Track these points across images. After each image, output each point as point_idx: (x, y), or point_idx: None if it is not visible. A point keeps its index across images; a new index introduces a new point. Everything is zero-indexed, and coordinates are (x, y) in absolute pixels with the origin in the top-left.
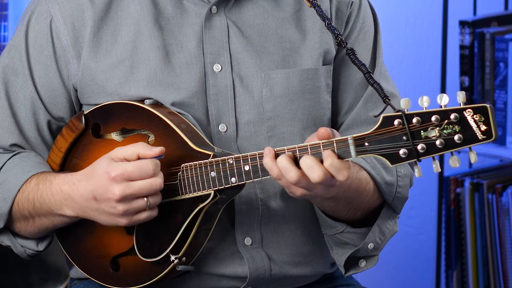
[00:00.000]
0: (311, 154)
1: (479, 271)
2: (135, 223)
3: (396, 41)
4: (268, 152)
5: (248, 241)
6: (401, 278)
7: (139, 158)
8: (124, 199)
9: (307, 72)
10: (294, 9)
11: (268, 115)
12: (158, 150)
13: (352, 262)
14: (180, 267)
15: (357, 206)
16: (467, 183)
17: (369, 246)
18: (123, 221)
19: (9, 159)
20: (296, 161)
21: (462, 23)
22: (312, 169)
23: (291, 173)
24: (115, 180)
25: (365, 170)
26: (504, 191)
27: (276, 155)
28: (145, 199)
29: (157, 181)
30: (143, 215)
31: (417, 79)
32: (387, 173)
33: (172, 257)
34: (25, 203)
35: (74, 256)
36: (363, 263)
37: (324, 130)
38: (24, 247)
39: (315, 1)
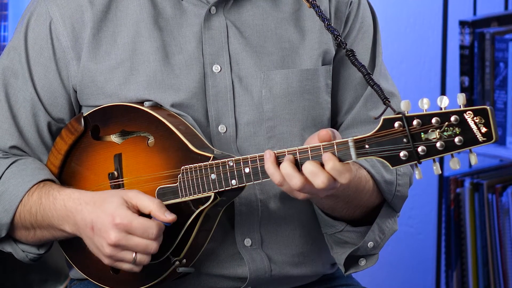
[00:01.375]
0: (311, 156)
1: (479, 271)
2: (115, 267)
3: (396, 41)
4: (269, 157)
5: (248, 242)
6: (401, 278)
7: (149, 214)
8: (116, 246)
9: (306, 72)
10: (293, 9)
11: (268, 115)
12: (171, 218)
13: (352, 261)
14: (180, 269)
15: (356, 205)
16: (467, 183)
17: (368, 244)
18: (105, 261)
19: (7, 169)
20: (297, 164)
21: (462, 23)
22: (316, 175)
23: (295, 180)
24: (117, 227)
25: (365, 168)
26: (504, 191)
27: (277, 159)
28: (133, 254)
29: (153, 246)
30: (125, 266)
31: (417, 79)
32: (386, 172)
33: (173, 259)
34: (27, 215)
35: (73, 257)
36: (363, 262)
37: (325, 133)
38: (26, 252)
39: (314, 2)
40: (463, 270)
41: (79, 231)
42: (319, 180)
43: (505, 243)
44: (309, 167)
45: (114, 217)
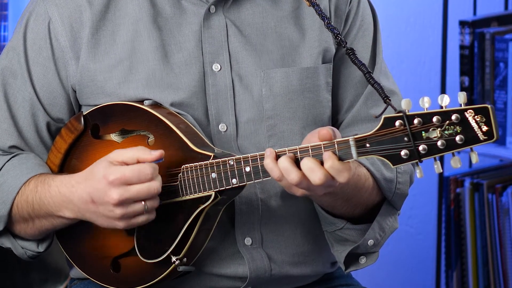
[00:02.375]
0: (312, 155)
1: (479, 271)
2: (132, 226)
3: (396, 41)
4: (269, 154)
5: (248, 241)
6: (401, 278)
7: (138, 162)
8: (122, 203)
9: (306, 70)
10: (293, 8)
11: (268, 114)
12: (157, 153)
13: (352, 259)
14: (181, 268)
15: (356, 202)
16: (467, 183)
17: (369, 242)
18: (120, 224)
19: (7, 161)
20: (297, 163)
21: (462, 23)
22: (313, 171)
23: (293, 175)
24: (113, 184)
25: (364, 166)
26: (504, 191)
27: (277, 157)
28: (143, 202)
29: (155, 185)
30: (141, 219)
31: (417, 79)
32: (386, 170)
33: (173, 258)
34: (24, 205)
35: (74, 256)
36: (363, 260)
37: (325, 131)
38: (25, 248)
39: (314, 0)
40: (463, 270)
41: (80, 212)
42: (316, 176)
43: (505, 243)
44: (307, 163)
45: (106, 177)
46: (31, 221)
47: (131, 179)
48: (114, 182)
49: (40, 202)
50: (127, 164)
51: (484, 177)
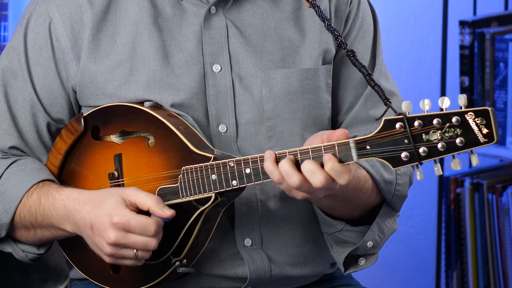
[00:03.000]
0: (312, 157)
1: (479, 271)
2: (117, 264)
3: (396, 41)
4: (269, 156)
5: (248, 242)
6: (401, 278)
7: (148, 210)
8: (115, 245)
9: (306, 71)
10: (293, 9)
11: (268, 115)
12: (169, 213)
13: (351, 260)
14: (181, 269)
15: (356, 204)
16: (467, 183)
17: (368, 244)
18: (107, 259)
19: (6, 169)
20: (297, 165)
21: (462, 23)
22: (314, 174)
23: (293, 178)
24: (115, 226)
25: (364, 168)
26: (504, 191)
27: (277, 159)
28: (135, 251)
29: (153, 242)
30: (128, 262)
31: (417, 79)
32: (386, 171)
33: (173, 260)
34: (27, 215)
35: (74, 258)
36: (362, 261)
37: (342, 132)
38: (25, 252)
39: (314, 1)
40: (463, 270)
41: (79, 230)
42: (317, 179)
43: (505, 243)
44: (307, 165)
45: (112, 216)
46: (32, 229)
47: (134, 229)
48: (117, 224)
49: (44, 214)
50: (137, 208)
51: (484, 177)
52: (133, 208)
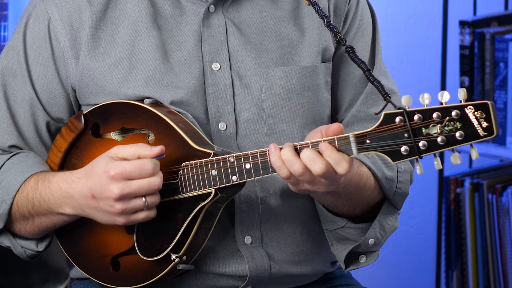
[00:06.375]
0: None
1: (479, 271)
2: (132, 222)
3: (396, 41)
4: (274, 150)
5: (248, 239)
6: (401, 278)
7: (139, 158)
8: (122, 198)
9: (306, 69)
10: (292, 7)
11: (268, 113)
12: (158, 149)
13: (352, 257)
14: (180, 266)
15: (358, 201)
16: (467, 183)
17: (369, 241)
18: (121, 220)
19: (8, 160)
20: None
21: (462, 23)
22: (313, 161)
23: (296, 166)
24: (114, 179)
25: (366, 165)
26: (504, 191)
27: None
28: (143, 199)
29: (156, 181)
30: (141, 215)
31: (417, 79)
32: (387, 169)
33: (173, 256)
34: (24, 202)
35: (74, 256)
36: (363, 259)
37: (336, 126)
38: (24, 247)
39: None
40: (463, 270)
41: (81, 208)
42: (317, 166)
43: (505, 243)
44: (307, 153)
45: (107, 171)
46: (31, 218)
47: (132, 174)
48: (115, 176)
49: (41, 199)
50: (128, 160)
51: (484, 177)
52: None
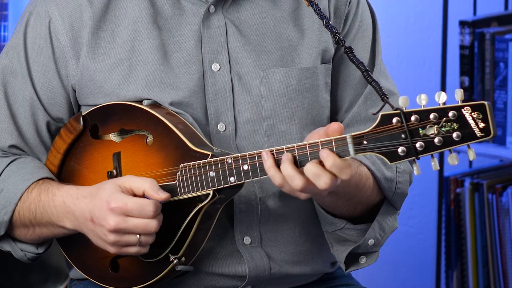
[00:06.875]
0: (310, 153)
1: (479, 271)
2: (123, 254)
3: (396, 41)
4: (267, 158)
5: (247, 240)
6: (401, 278)
7: (143, 194)
8: (117, 231)
9: (305, 70)
10: (292, 8)
11: (267, 114)
12: (164, 196)
13: (352, 258)
14: (179, 267)
15: (357, 202)
16: (467, 183)
17: (369, 242)
18: (112, 249)
19: (6, 167)
20: (296, 164)
21: (462, 23)
22: (318, 177)
23: (297, 181)
24: (113, 211)
25: (365, 165)
26: (504, 191)
27: (275, 157)
28: (138, 236)
29: (154, 224)
30: (133, 250)
31: (417, 79)
32: (386, 169)
33: (172, 257)
34: (26, 212)
35: (73, 257)
36: (363, 260)
37: (337, 125)
38: (24, 251)
39: (313, 0)
40: (463, 270)
41: (80, 226)
42: (322, 181)
43: (505, 243)
44: (311, 168)
45: (109, 202)
46: (31, 227)
47: (132, 212)
48: (115, 209)
49: (43, 211)
50: (134, 193)
51: (484, 177)
52: (129, 193)
